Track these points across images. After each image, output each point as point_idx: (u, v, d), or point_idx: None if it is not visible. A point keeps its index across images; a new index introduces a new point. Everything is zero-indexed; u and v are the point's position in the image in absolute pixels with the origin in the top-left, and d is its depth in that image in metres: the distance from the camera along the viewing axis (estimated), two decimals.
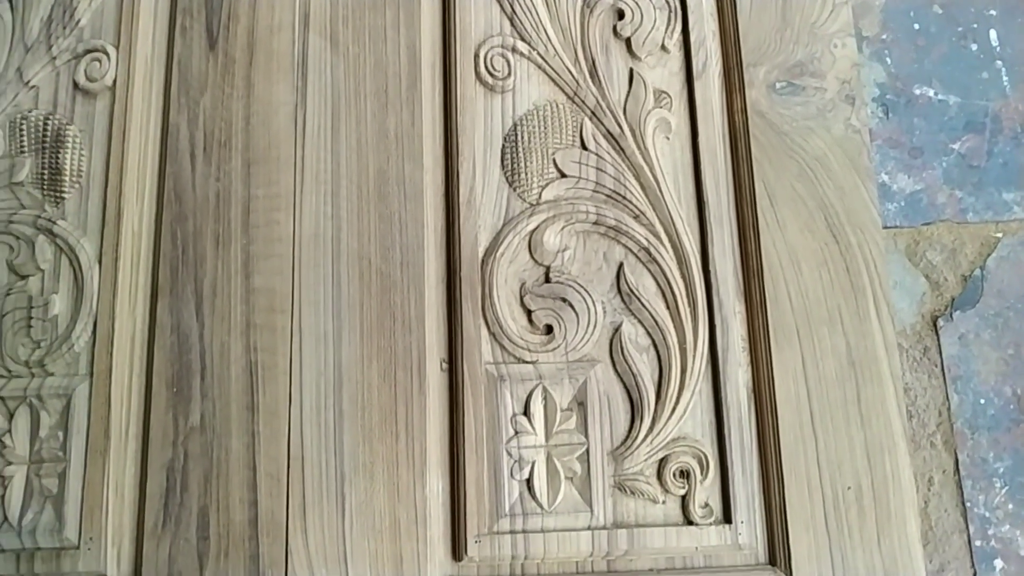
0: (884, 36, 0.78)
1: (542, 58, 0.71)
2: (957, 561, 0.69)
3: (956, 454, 0.70)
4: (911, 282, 0.73)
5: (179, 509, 0.62)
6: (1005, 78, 0.76)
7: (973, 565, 0.68)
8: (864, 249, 0.68)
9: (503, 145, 0.69)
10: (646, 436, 0.65)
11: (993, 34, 0.77)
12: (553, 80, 0.71)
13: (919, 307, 0.73)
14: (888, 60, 0.77)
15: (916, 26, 0.77)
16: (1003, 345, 0.72)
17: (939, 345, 0.72)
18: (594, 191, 0.69)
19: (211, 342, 0.65)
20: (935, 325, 0.72)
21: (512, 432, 0.64)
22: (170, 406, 0.64)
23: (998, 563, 0.68)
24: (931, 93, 0.76)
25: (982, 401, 0.71)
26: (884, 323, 0.66)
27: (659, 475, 0.64)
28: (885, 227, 0.72)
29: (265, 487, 0.62)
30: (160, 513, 0.62)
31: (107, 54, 0.69)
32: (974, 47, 0.77)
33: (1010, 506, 0.69)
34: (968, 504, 0.69)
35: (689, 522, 0.64)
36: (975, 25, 0.77)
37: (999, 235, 0.74)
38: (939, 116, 0.76)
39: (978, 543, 0.69)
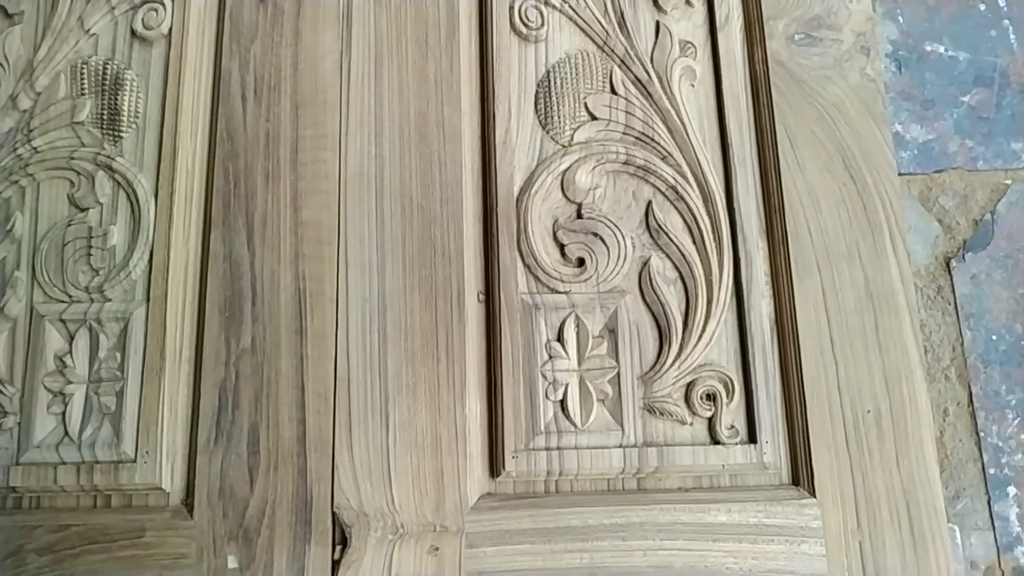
0: None
1: (573, 10, 0.75)
2: (972, 488, 0.71)
3: (970, 387, 0.73)
4: (925, 226, 0.77)
5: (231, 426, 0.65)
6: (1012, 36, 0.80)
7: (987, 492, 0.71)
8: (880, 189, 0.71)
9: (536, 90, 0.73)
10: (674, 362, 0.68)
11: None
12: (584, 31, 0.75)
13: (932, 249, 0.76)
14: (900, 19, 0.81)
15: None
16: (1013, 285, 0.75)
17: (952, 285, 0.75)
18: (623, 133, 0.72)
19: (261, 270, 0.68)
20: (948, 266, 0.76)
21: (547, 357, 0.68)
22: (222, 329, 0.67)
23: (1011, 490, 0.71)
24: (941, 50, 0.80)
25: (994, 337, 0.74)
26: (900, 258, 0.70)
27: (687, 398, 0.68)
28: (900, 174, 0.75)
29: (313, 406, 0.66)
30: (212, 429, 0.65)
31: (163, 4, 0.73)
32: (982, 7, 0.81)
33: (1022, 436, 0.72)
34: (982, 434, 0.72)
35: (716, 442, 0.67)
36: None
37: (1008, 182, 0.77)
38: (949, 71, 0.80)
39: (992, 471, 0.71)
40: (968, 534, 0.70)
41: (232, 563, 0.62)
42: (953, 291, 0.75)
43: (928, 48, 0.80)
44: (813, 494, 0.65)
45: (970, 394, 0.73)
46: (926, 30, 0.81)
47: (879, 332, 0.68)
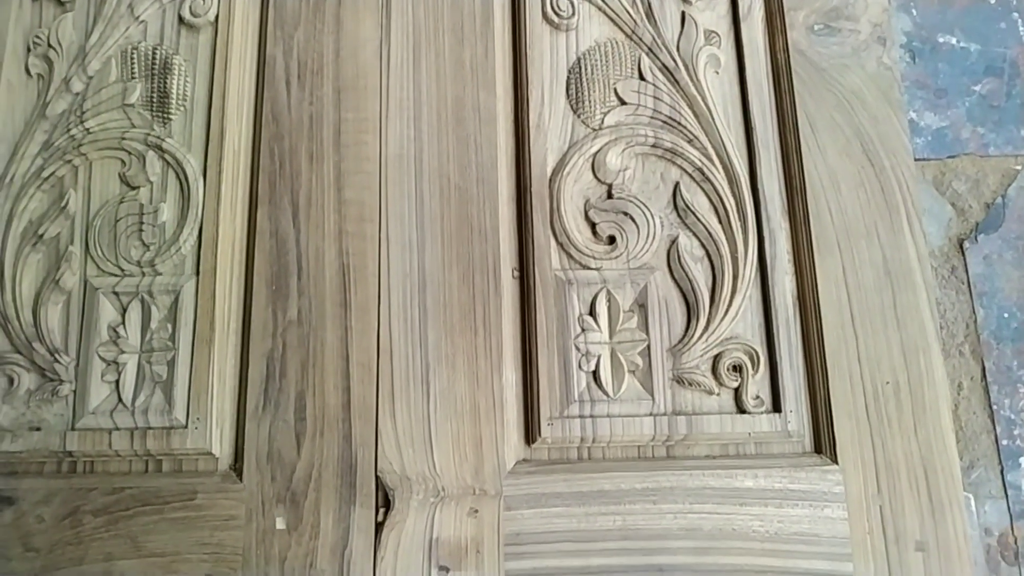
0: None
1: (602, 0, 0.78)
2: (986, 458, 0.74)
3: (983, 362, 0.76)
4: (938, 209, 0.80)
5: (278, 394, 0.68)
6: (1021, 28, 0.84)
7: (1001, 462, 0.74)
8: (897, 172, 0.74)
9: (568, 76, 0.76)
10: (701, 335, 0.71)
11: None
12: (613, 20, 0.78)
13: (946, 231, 0.79)
14: (913, 12, 0.85)
15: None
16: None
17: (965, 265, 0.78)
18: (651, 118, 0.75)
19: (307, 246, 0.71)
20: (961, 247, 0.79)
21: (579, 330, 0.71)
22: (269, 302, 0.70)
23: (1023, 460, 0.74)
24: (953, 41, 0.84)
25: (1006, 315, 0.77)
26: (916, 237, 0.73)
27: (714, 369, 0.70)
28: (914, 159, 0.78)
29: (357, 375, 0.68)
30: (260, 397, 0.68)
31: None
32: (992, 0, 0.85)
33: None
34: (995, 407, 0.75)
35: (742, 411, 0.70)
36: None
37: (1018, 167, 0.80)
38: (961, 61, 0.83)
39: (1005, 442, 0.74)
40: (982, 502, 0.73)
41: (280, 524, 0.65)
42: (966, 271, 0.78)
43: (941, 39, 0.84)
44: (835, 461, 0.68)
45: (983, 369, 0.76)
46: (938, 22, 0.84)
47: (897, 308, 0.71)
